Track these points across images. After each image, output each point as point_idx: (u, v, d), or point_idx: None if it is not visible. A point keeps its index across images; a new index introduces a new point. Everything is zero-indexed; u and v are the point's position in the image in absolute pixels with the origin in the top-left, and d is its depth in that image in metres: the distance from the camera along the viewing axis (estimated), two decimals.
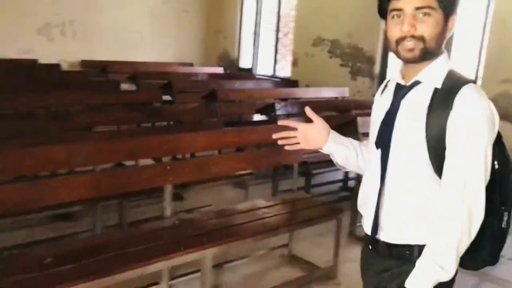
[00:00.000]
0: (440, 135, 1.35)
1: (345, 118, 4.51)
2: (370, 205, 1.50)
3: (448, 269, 1.32)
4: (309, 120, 1.61)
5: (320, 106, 4.83)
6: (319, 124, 1.60)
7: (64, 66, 7.28)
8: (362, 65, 6.73)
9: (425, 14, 1.33)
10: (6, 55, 6.76)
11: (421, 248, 1.38)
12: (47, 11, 7.43)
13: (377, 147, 1.49)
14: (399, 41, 1.37)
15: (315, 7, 7.21)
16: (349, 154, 1.62)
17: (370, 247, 1.54)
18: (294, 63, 7.73)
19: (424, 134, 1.36)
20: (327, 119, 1.62)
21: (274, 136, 1.61)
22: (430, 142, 1.36)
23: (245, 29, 8.87)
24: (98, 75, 6.78)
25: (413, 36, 1.34)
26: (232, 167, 3.39)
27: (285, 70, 8.17)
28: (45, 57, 6.99)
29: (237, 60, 9.00)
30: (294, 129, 1.59)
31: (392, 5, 1.37)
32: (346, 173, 4.88)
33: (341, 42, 6.94)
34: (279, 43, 8.23)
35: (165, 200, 2.97)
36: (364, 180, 1.59)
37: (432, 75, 1.40)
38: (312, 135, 1.59)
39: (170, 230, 2.76)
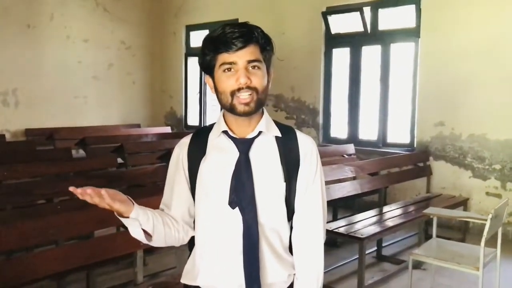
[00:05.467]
0: (294, 176, 1.49)
1: None
2: (232, 268, 1.46)
3: None
4: None
5: None
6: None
7: (7, 136, 7.10)
8: (306, 116, 7.08)
9: (254, 67, 1.41)
10: None
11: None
12: None
13: (233, 207, 1.44)
14: (235, 92, 1.40)
15: None
16: (157, 223, 1.48)
17: None
18: None
19: (282, 179, 1.47)
20: None
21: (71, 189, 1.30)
22: (287, 185, 1.48)
23: (190, 88, 9.09)
24: (45, 143, 6.65)
25: (249, 87, 1.39)
26: None
27: None
28: None
29: (184, 118, 9.15)
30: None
31: (223, 59, 1.40)
32: None
33: (285, 96, 7.29)
34: None
35: (137, 265, 2.97)
36: (209, 248, 1.49)
37: (268, 125, 1.50)
38: (121, 197, 1.40)
39: None
